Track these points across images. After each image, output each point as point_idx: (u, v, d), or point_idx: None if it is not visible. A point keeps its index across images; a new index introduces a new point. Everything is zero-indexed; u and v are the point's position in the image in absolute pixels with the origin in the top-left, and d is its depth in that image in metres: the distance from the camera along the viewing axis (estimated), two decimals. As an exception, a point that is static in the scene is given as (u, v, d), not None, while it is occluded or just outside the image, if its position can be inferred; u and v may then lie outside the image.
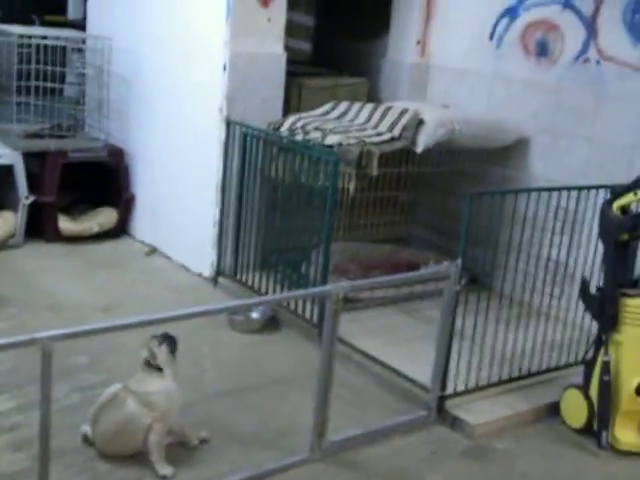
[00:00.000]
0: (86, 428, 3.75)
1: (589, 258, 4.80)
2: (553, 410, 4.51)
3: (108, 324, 3.34)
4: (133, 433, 3.60)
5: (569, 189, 4.67)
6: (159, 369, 3.65)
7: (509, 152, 5.95)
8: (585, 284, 4.33)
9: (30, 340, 2.91)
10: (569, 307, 4.88)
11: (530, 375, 4.72)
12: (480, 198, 4.22)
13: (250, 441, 3.98)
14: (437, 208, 6.37)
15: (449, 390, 4.35)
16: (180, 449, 3.78)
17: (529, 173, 5.87)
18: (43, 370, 2.86)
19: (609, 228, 4.17)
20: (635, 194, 4.05)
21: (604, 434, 4.20)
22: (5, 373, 4.34)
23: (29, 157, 6.34)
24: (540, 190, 4.61)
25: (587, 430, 4.33)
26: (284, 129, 5.58)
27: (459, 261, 4.14)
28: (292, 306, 5.32)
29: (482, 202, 4.20)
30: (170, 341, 3.67)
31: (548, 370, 4.81)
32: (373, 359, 4.79)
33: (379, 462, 3.96)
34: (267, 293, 5.48)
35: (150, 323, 3.39)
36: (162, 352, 3.65)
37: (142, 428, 3.57)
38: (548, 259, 4.71)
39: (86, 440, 3.75)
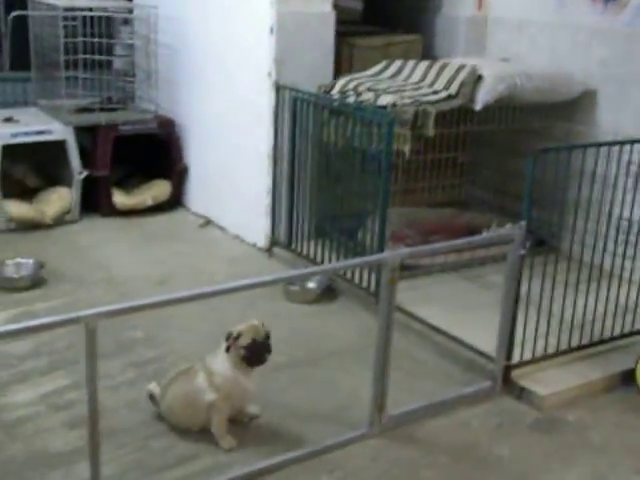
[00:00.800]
0: (152, 386, 3.75)
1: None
2: (628, 379, 4.28)
3: (157, 299, 3.22)
4: (197, 408, 3.59)
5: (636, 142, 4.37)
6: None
7: (575, 105, 5.67)
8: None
9: (74, 318, 2.83)
10: (635, 263, 4.60)
11: (602, 342, 4.51)
12: (544, 155, 3.98)
13: (307, 416, 3.89)
14: (498, 168, 6.12)
15: (515, 359, 4.17)
16: (234, 426, 3.70)
17: (597, 127, 5.60)
18: (87, 348, 2.77)
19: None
20: None
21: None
22: (61, 350, 4.33)
23: (81, 132, 6.32)
24: (610, 144, 4.34)
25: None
26: (335, 92, 5.43)
27: (523, 223, 3.91)
28: (349, 275, 5.20)
29: (547, 159, 3.97)
30: (258, 349, 3.56)
31: (622, 336, 4.56)
32: (434, 328, 4.63)
33: (442, 436, 3.82)
34: (322, 262, 5.38)
35: (203, 296, 3.31)
36: (239, 353, 3.57)
37: (205, 405, 3.57)
38: (620, 218, 4.43)
39: (152, 398, 3.73)
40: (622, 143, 4.34)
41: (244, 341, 3.53)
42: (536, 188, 3.92)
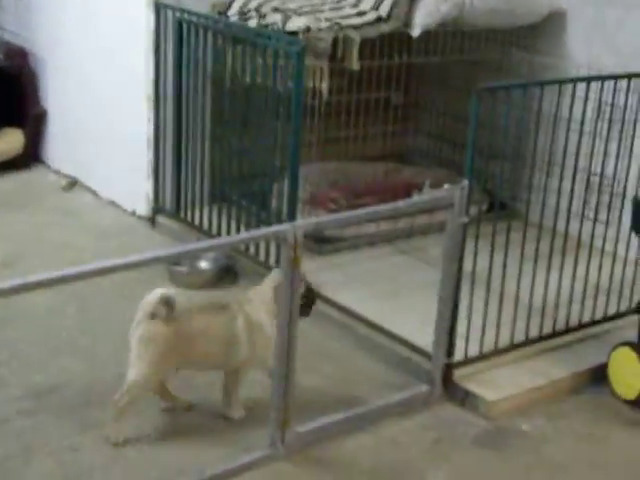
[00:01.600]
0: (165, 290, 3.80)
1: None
2: (599, 377, 4.29)
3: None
4: (226, 353, 3.80)
5: (616, 78, 4.34)
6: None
7: (539, 32, 5.67)
8: (638, 204, 4.04)
9: None
10: (619, 236, 4.59)
11: (568, 331, 4.50)
12: (493, 94, 3.92)
13: (195, 434, 3.80)
14: (445, 111, 6.10)
15: (458, 356, 4.14)
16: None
17: (566, 58, 5.61)
18: None
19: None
20: None
21: (666, 407, 3.99)
22: None
23: None
24: (575, 81, 4.29)
25: (644, 400, 4.11)
26: (232, 12, 5.33)
27: (465, 182, 3.84)
28: (252, 252, 5.11)
29: (497, 99, 3.91)
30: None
31: (592, 323, 4.57)
32: (358, 318, 4.58)
33: (364, 457, 3.75)
34: (220, 235, 5.28)
35: (60, 281, 3.16)
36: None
37: (235, 359, 3.81)
38: (590, 173, 4.41)
39: (168, 303, 3.72)
40: (590, 79, 4.31)
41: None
42: (488, 137, 3.87)
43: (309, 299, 3.82)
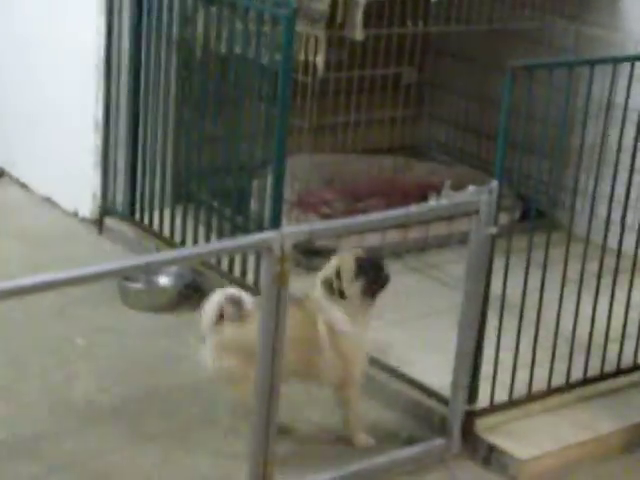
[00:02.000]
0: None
1: None
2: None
3: None
4: (307, 361, 4.10)
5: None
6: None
7: (590, -1, 5.80)
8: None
9: None
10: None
11: (619, 373, 4.59)
12: (531, 73, 3.98)
13: None
14: (470, 94, 6.18)
15: (482, 402, 4.22)
16: None
17: (624, 31, 5.72)
18: None
19: None
20: None
21: None
22: None
23: None
24: (634, 59, 4.37)
25: None
26: None
27: (494, 183, 3.92)
28: (225, 266, 5.20)
29: (536, 80, 3.97)
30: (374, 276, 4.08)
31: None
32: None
33: None
34: (185, 243, 5.37)
35: None
36: (355, 287, 4.07)
37: (328, 376, 4.14)
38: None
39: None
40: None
41: (348, 267, 4.03)
42: (523, 127, 3.94)
43: (378, 262, 4.11)
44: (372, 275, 4.07)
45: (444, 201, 4.00)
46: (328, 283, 4.07)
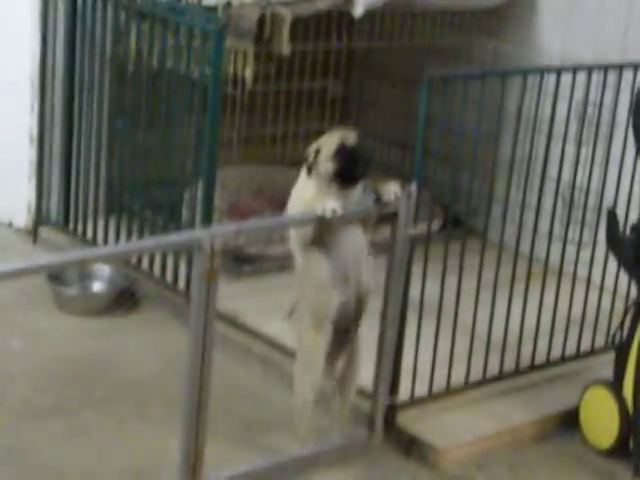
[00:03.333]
0: None
1: (624, 183, 4.81)
2: (568, 422, 4.57)
3: None
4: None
5: (590, 69, 4.66)
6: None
7: (506, 16, 5.98)
8: (612, 219, 4.35)
9: None
10: (595, 259, 4.91)
11: (533, 369, 4.78)
12: (446, 84, 4.18)
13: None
14: (394, 107, 6.31)
15: (403, 396, 4.36)
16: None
17: (538, 49, 5.91)
18: None
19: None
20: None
21: (642, 451, 4.28)
22: None
23: None
24: (543, 71, 4.58)
25: (620, 450, 4.38)
26: None
27: (412, 187, 4.11)
28: (157, 271, 5.32)
29: (452, 91, 4.17)
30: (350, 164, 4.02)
31: (561, 360, 4.87)
32: (286, 352, 4.76)
33: None
34: None
35: None
36: (327, 167, 4.01)
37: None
38: (558, 182, 4.70)
39: None
40: (561, 70, 4.59)
41: (328, 147, 3.95)
42: (441, 137, 4.10)
43: (359, 154, 4.02)
44: (348, 162, 3.98)
45: (362, 204, 4.11)
46: (305, 158, 4.05)
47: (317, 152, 3.99)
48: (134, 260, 5.44)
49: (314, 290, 4.06)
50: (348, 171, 3.99)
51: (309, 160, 4.01)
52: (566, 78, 4.57)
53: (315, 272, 4.03)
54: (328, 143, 4.01)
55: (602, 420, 4.44)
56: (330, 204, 3.86)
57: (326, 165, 3.97)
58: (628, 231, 4.38)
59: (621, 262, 4.43)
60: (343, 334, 4.15)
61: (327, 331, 4.06)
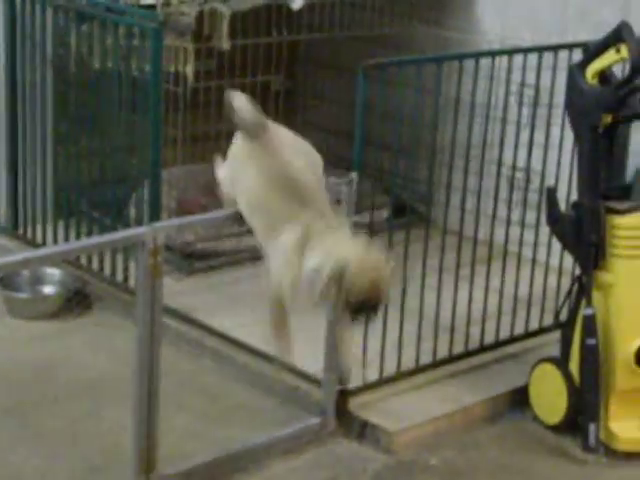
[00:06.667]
0: None
1: (565, 163, 4.93)
2: (519, 400, 4.67)
3: None
4: None
5: (526, 51, 4.77)
6: None
7: (446, 2, 6.10)
8: (552, 198, 4.46)
9: None
10: (538, 240, 5.02)
11: (482, 350, 4.89)
12: (383, 71, 4.26)
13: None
14: (339, 99, 6.38)
15: (354, 382, 4.44)
16: None
17: (479, 34, 6.03)
18: None
19: (582, 107, 4.30)
20: (617, 51, 4.17)
21: (592, 428, 4.38)
22: None
23: None
24: (478, 55, 4.68)
25: (569, 425, 4.50)
26: None
27: (353, 175, 4.18)
28: (107, 273, 5.39)
29: (390, 77, 4.24)
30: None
31: (510, 340, 4.98)
32: (237, 344, 4.87)
33: None
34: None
35: None
36: None
37: None
38: (499, 165, 4.82)
39: None
40: (495, 53, 4.70)
41: (356, 292, 3.44)
42: (382, 125, 4.21)
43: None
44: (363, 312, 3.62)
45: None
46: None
47: (340, 275, 3.45)
48: (84, 262, 5.49)
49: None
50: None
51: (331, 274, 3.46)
52: (505, 61, 4.69)
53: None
54: (358, 277, 3.46)
55: (551, 396, 4.54)
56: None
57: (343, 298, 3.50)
58: (569, 210, 4.51)
59: (562, 240, 4.55)
60: None
61: None
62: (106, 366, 4.88)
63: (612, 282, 4.39)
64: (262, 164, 3.65)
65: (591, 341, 4.37)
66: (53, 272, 5.46)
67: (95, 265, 5.48)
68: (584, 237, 4.35)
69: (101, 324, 5.28)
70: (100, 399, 4.60)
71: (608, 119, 4.28)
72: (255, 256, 5.51)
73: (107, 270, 5.40)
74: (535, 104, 4.84)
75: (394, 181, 4.67)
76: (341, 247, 3.49)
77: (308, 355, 4.51)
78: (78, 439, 4.35)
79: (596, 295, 4.41)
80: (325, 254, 3.48)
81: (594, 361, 4.38)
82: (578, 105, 4.33)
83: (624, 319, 4.40)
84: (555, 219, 4.50)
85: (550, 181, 4.89)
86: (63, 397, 4.64)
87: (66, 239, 5.58)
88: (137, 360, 3.86)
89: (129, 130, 5.24)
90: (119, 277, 5.36)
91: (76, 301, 5.39)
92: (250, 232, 5.09)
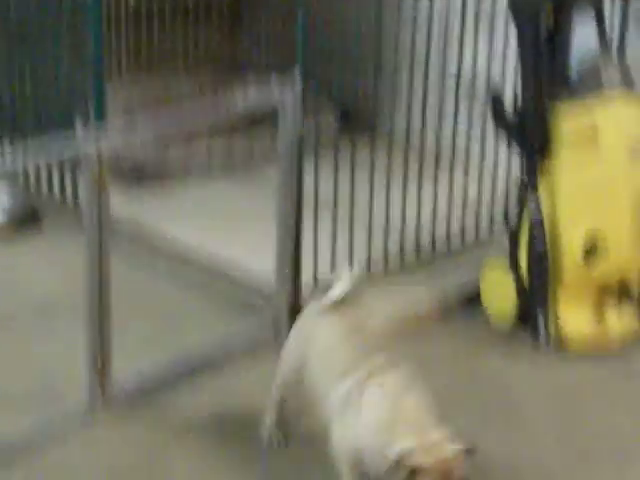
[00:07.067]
0: None
1: (509, 64, 4.94)
2: (471, 298, 4.73)
3: None
4: None
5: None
6: None
7: None
8: (496, 93, 4.47)
9: None
10: (484, 144, 5.06)
11: (432, 252, 4.96)
12: None
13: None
14: (287, 10, 6.27)
15: (306, 292, 4.48)
16: None
17: None
18: None
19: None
20: None
21: (541, 321, 4.44)
22: None
23: None
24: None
25: (521, 320, 4.54)
26: None
27: (297, 73, 4.19)
28: (57, 191, 5.41)
29: None
30: None
31: (462, 244, 5.10)
32: (189, 254, 4.90)
33: (199, 409, 4.05)
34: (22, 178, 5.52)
35: None
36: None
37: None
38: (443, 70, 4.87)
39: None
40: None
41: None
42: (320, 30, 4.25)
43: None
44: None
45: (247, 97, 4.15)
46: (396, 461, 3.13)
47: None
48: (33, 182, 5.50)
49: None
50: None
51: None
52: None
53: None
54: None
55: (500, 292, 4.58)
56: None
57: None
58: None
59: (505, 131, 4.52)
60: None
61: None
62: (58, 284, 4.91)
63: (557, 170, 4.37)
64: None
65: (537, 232, 4.39)
66: (1, 197, 5.46)
67: (45, 186, 5.49)
68: (529, 129, 4.36)
69: (53, 243, 5.30)
70: (53, 317, 4.63)
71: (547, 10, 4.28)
72: (203, 174, 5.69)
73: (56, 189, 5.42)
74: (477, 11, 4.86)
75: (340, 85, 4.66)
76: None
77: (265, 260, 4.51)
78: (32, 358, 4.36)
79: (541, 185, 4.40)
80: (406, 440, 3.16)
81: (540, 253, 4.41)
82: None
83: (569, 208, 4.41)
84: (499, 114, 4.47)
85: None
86: (16, 316, 4.66)
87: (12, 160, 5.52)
88: (87, 271, 3.87)
89: (68, 51, 5.20)
90: (69, 194, 5.35)
91: (26, 223, 5.42)
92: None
